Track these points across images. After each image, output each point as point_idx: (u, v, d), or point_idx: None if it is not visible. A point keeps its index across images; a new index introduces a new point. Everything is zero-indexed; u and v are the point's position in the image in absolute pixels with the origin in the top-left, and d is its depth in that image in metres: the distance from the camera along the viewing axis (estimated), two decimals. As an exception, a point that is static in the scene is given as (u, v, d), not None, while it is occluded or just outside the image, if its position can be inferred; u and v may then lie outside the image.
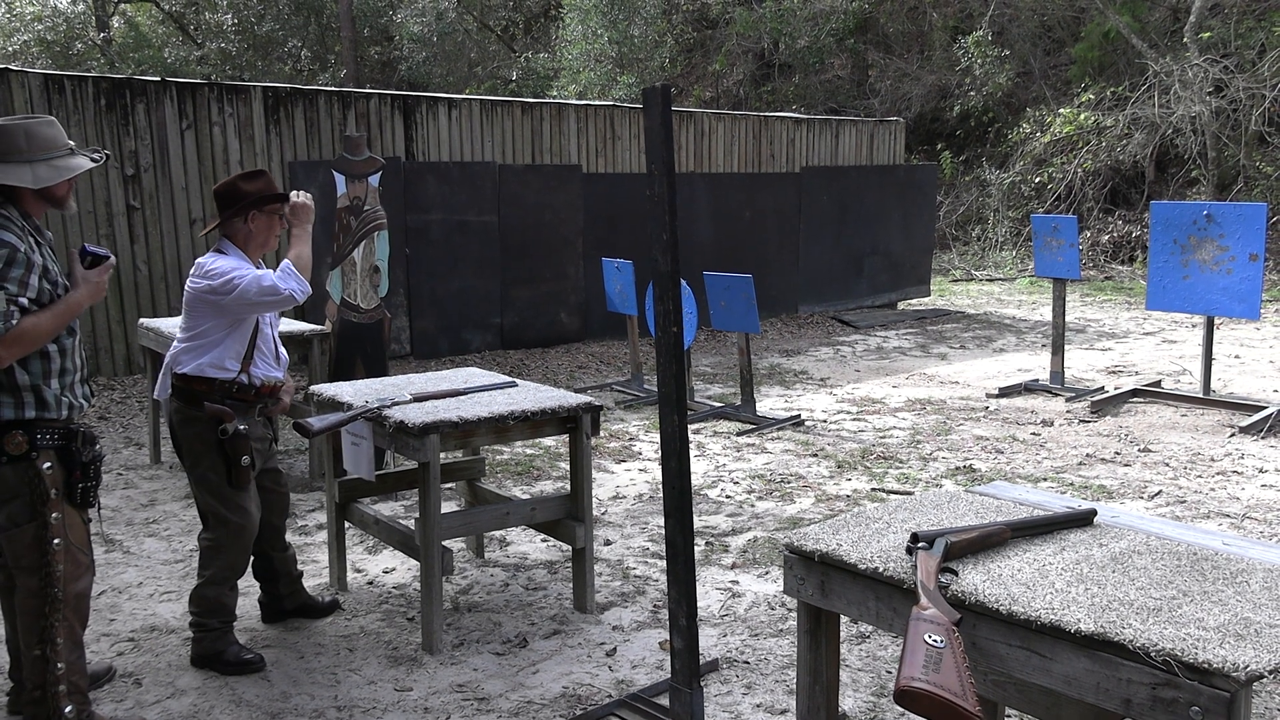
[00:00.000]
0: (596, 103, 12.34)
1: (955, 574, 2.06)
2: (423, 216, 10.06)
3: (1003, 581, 2.02)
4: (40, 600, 3.07)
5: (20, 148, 3.07)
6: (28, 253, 2.99)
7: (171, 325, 5.86)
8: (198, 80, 9.71)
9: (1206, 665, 1.68)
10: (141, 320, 6.73)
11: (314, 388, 4.45)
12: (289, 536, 4.35)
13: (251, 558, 4.06)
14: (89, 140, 8.78)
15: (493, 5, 25.81)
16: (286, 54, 25.53)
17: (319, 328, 6.19)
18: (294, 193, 3.89)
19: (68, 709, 3.10)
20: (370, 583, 4.64)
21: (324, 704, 3.53)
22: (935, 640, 1.84)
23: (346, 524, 4.58)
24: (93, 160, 3.25)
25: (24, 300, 2.95)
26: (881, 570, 2.11)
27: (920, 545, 2.10)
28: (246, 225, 3.87)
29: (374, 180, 6.15)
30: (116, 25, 26.91)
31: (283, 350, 4.05)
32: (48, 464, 3.04)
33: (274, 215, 3.90)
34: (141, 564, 4.88)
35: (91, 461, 3.15)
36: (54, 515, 3.05)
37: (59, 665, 3.09)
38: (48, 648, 3.08)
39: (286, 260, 3.79)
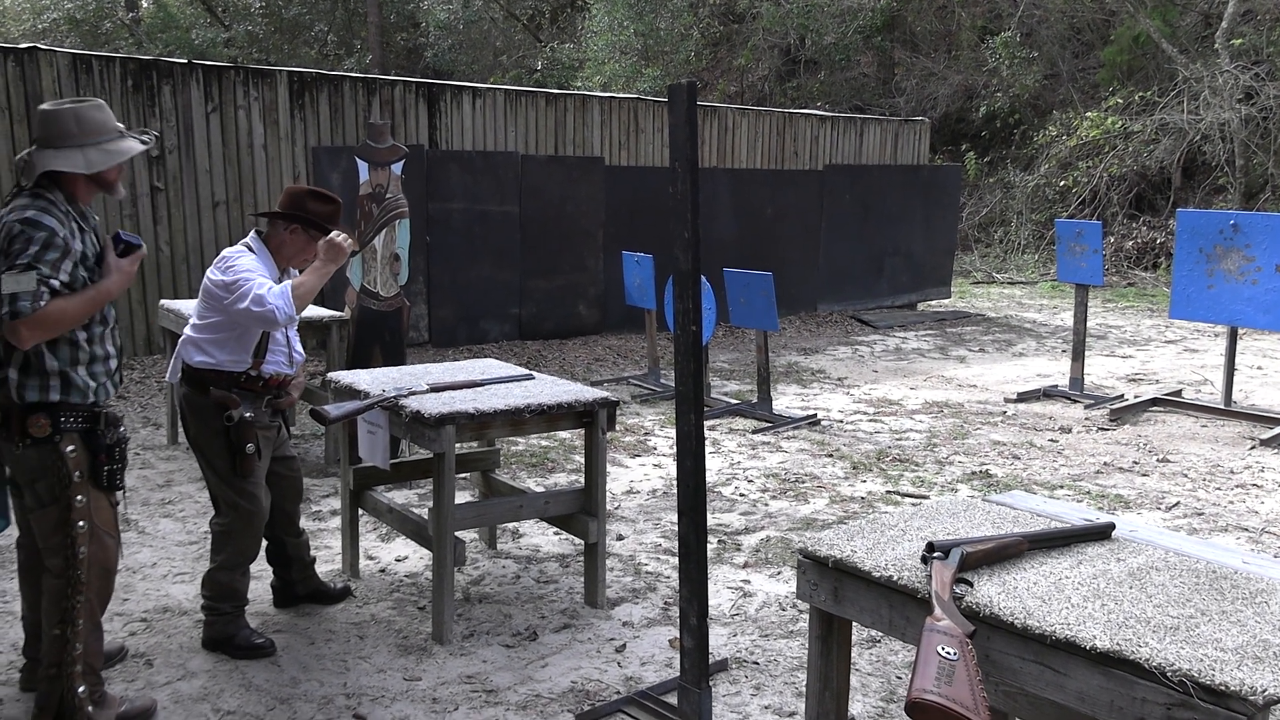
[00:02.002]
0: (621, 95, 12.33)
1: (970, 585, 2.04)
2: (444, 205, 10.07)
3: (1018, 594, 2.00)
4: (64, 581, 3.09)
5: (71, 132, 3.06)
6: (67, 239, 2.99)
7: (191, 307, 5.88)
8: (224, 63, 9.74)
9: (1224, 687, 1.66)
10: (162, 301, 6.76)
11: (331, 374, 4.46)
12: (303, 523, 4.36)
13: (264, 542, 4.07)
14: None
15: (519, -6, 25.80)
16: (313, 38, 25.60)
17: (338, 314, 6.20)
18: (337, 233, 3.83)
19: (81, 689, 3.12)
20: (382, 571, 4.65)
21: (333, 691, 3.54)
22: (948, 652, 1.82)
23: (360, 511, 4.59)
24: (143, 143, 3.24)
25: (55, 283, 2.95)
26: (896, 579, 2.10)
27: (936, 555, 2.08)
28: (284, 233, 3.89)
29: (397, 168, 6.15)
30: (145, 5, 27.03)
31: (298, 350, 4.03)
32: (70, 447, 3.04)
33: (311, 241, 3.89)
34: (156, 544, 4.91)
35: (116, 444, 3.14)
36: (78, 498, 3.05)
37: (77, 646, 3.11)
38: (68, 629, 3.10)
39: (289, 282, 3.73)
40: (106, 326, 3.20)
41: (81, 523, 3.07)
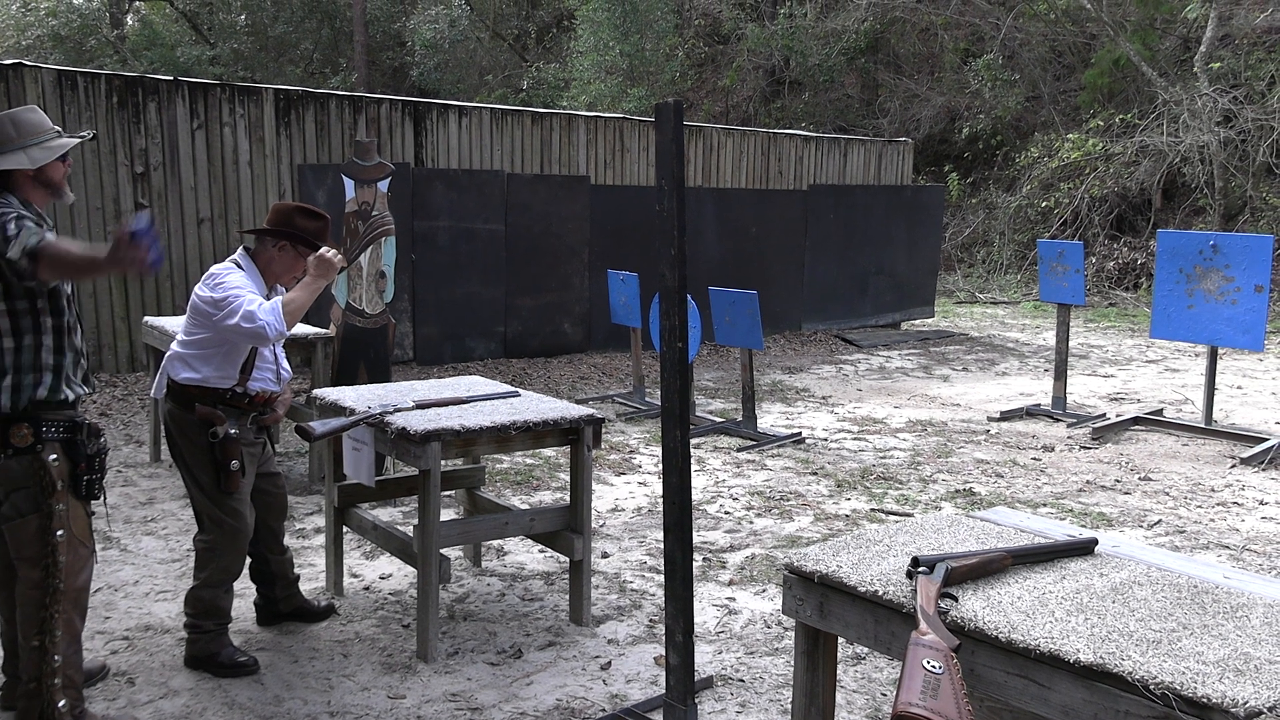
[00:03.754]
0: (606, 114, 12.38)
1: (955, 600, 2.05)
2: (430, 223, 10.08)
3: (1002, 609, 2.02)
4: (41, 592, 3.09)
5: (10, 136, 3.13)
6: (35, 219, 3.05)
7: (175, 324, 5.87)
8: (209, 80, 9.74)
9: (1206, 700, 1.68)
10: (146, 318, 6.74)
11: (317, 391, 4.46)
12: (287, 540, 4.34)
13: (248, 560, 4.06)
14: (99, 136, 8.80)
15: (505, 14, 25.91)
16: (299, 57, 25.63)
17: (323, 331, 6.20)
18: (327, 249, 3.82)
19: (61, 703, 3.10)
20: (366, 588, 4.63)
21: (317, 709, 3.52)
22: (934, 666, 1.84)
23: (345, 529, 4.57)
24: (80, 137, 3.34)
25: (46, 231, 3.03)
26: (881, 593, 2.11)
27: (921, 570, 2.10)
28: (273, 250, 3.89)
29: (383, 186, 6.16)
30: (130, 23, 27.01)
31: (285, 367, 4.03)
32: (53, 456, 3.08)
33: (300, 257, 3.90)
34: (138, 562, 4.88)
35: (96, 454, 3.19)
36: (59, 507, 3.08)
37: (56, 658, 3.10)
38: (46, 639, 3.09)
39: (279, 299, 3.73)
40: (79, 328, 3.26)
41: (61, 531, 3.09)
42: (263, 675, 3.76)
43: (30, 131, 3.17)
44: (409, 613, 4.33)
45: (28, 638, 3.11)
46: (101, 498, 3.25)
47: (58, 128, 3.29)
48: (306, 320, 7.60)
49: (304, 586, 4.42)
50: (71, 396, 3.16)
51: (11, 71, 8.40)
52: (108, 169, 8.87)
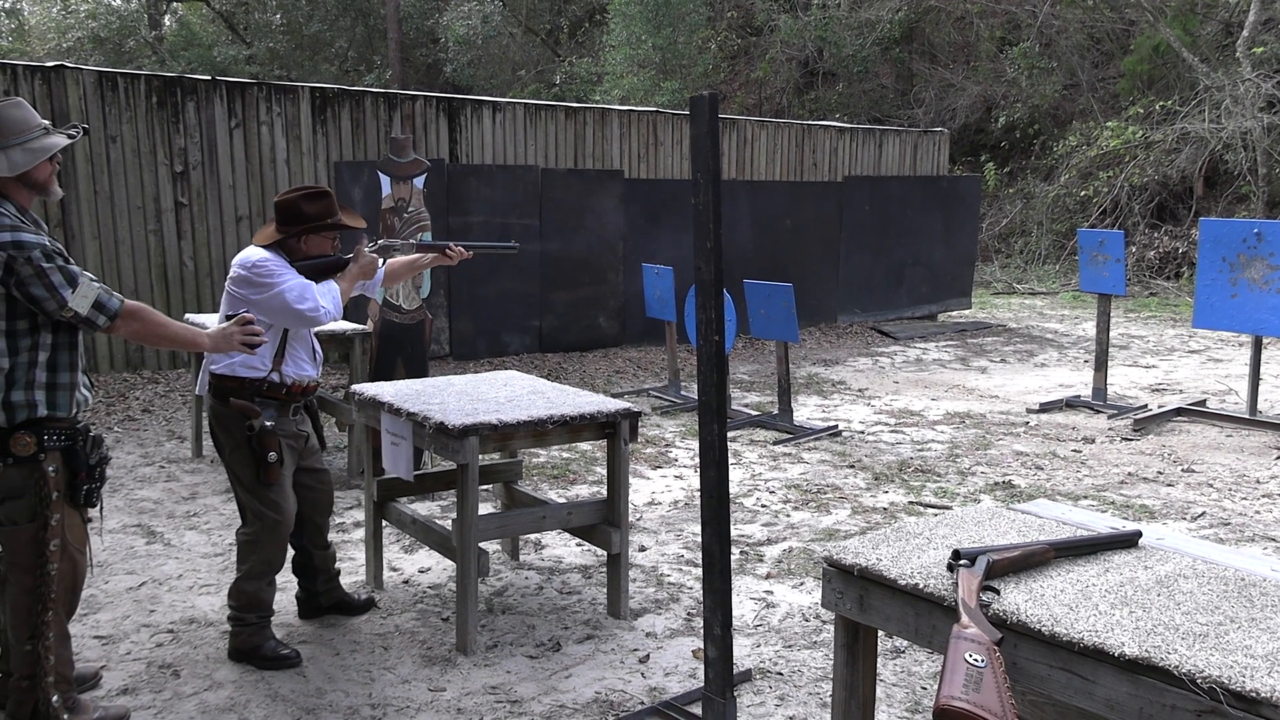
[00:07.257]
0: (639, 108, 12.38)
1: (997, 593, 2.04)
2: (465, 218, 10.12)
3: (1045, 602, 2.00)
4: (33, 598, 3.06)
5: None
6: (50, 241, 2.99)
7: (216, 322, 5.93)
8: (247, 80, 9.84)
9: (1254, 694, 1.65)
10: (187, 315, 6.82)
11: (355, 387, 4.50)
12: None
13: (291, 553, 4.10)
14: (139, 136, 8.92)
15: (537, 9, 25.94)
16: (333, 55, 25.81)
17: (361, 327, 6.24)
18: (370, 248, 4.02)
19: (55, 698, 3.11)
20: (406, 582, 4.67)
21: (358, 701, 3.55)
22: (976, 659, 1.82)
23: (384, 523, 4.61)
24: (69, 137, 3.15)
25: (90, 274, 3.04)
26: (922, 587, 2.10)
27: (962, 563, 2.08)
28: (300, 244, 3.92)
29: (419, 182, 6.19)
30: (168, 23, 27.33)
31: (319, 348, 4.07)
32: (52, 466, 3.02)
33: (326, 237, 3.95)
34: (182, 556, 4.95)
35: (97, 464, 3.14)
36: (55, 517, 3.03)
37: (50, 659, 3.09)
38: (39, 643, 3.07)
39: (333, 284, 3.84)
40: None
41: (55, 541, 3.04)
42: (305, 668, 3.80)
43: (12, 131, 2.99)
44: (448, 606, 4.37)
45: (20, 640, 3.10)
46: (99, 506, 3.19)
47: (45, 124, 3.11)
48: (344, 316, 7.65)
49: (344, 580, 4.47)
50: (71, 412, 3.08)
51: (53, 73, 8.53)
52: (148, 168, 8.99)
